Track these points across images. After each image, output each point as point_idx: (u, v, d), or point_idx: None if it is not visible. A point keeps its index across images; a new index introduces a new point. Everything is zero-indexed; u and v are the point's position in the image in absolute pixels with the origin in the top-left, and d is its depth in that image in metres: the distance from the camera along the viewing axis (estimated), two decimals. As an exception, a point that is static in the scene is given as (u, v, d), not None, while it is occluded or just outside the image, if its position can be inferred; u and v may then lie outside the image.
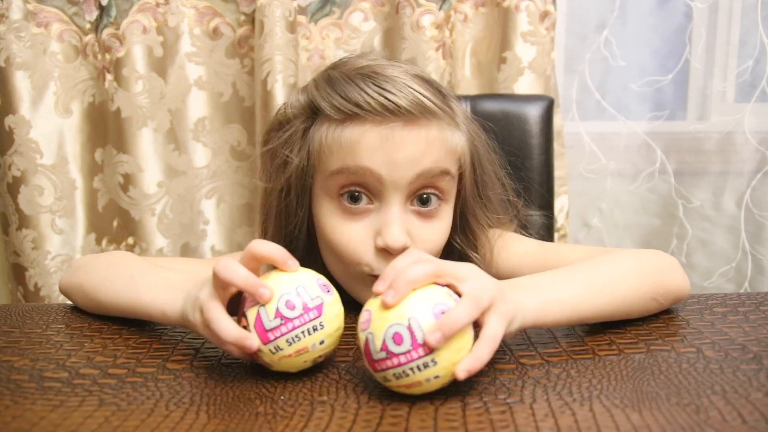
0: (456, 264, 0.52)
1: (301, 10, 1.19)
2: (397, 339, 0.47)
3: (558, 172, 1.17)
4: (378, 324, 0.48)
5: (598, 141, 1.36)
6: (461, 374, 0.47)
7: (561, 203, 1.23)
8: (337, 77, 0.67)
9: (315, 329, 0.51)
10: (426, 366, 0.47)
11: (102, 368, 0.56)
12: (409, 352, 0.46)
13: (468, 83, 1.24)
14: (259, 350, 0.51)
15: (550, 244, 0.79)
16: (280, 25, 1.11)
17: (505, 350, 0.58)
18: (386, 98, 0.63)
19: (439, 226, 0.69)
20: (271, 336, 0.51)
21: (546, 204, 1.04)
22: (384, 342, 0.47)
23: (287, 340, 0.51)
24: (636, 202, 1.40)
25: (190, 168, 1.22)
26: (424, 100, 0.64)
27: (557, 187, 1.17)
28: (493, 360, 0.56)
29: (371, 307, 0.49)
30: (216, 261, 0.80)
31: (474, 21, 1.22)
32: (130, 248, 1.22)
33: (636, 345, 0.59)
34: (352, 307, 0.69)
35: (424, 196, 0.67)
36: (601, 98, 1.34)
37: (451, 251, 0.73)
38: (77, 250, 1.21)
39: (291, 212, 0.71)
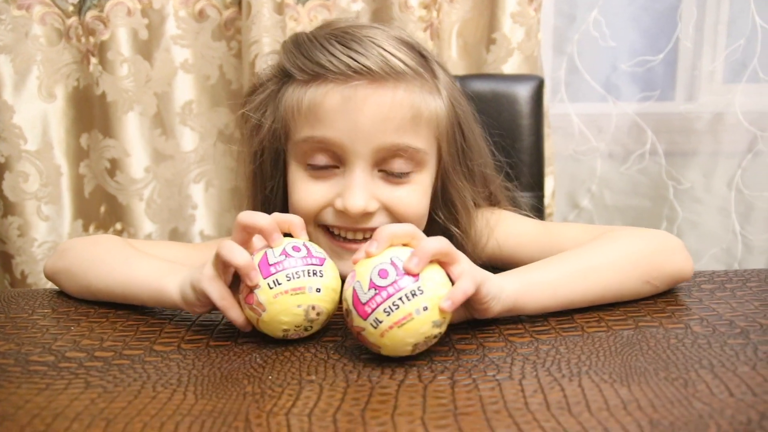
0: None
1: (288, -9, 1.17)
2: (383, 274, 0.49)
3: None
4: (363, 270, 0.50)
5: (587, 122, 1.35)
6: (445, 304, 0.49)
7: (547, 184, 1.23)
8: (305, 39, 0.67)
9: (314, 273, 0.53)
10: (414, 294, 0.48)
11: (88, 351, 0.56)
12: (395, 282, 0.49)
13: (455, 64, 1.23)
14: (258, 287, 0.53)
15: (552, 224, 0.78)
16: (267, 7, 1.10)
17: (494, 328, 0.58)
18: (350, 57, 0.62)
19: (413, 189, 0.67)
20: (272, 270, 0.53)
21: (536, 185, 1.04)
22: (371, 280, 0.49)
23: (287, 276, 0.53)
24: (626, 183, 1.40)
25: (177, 152, 1.20)
26: (394, 60, 0.63)
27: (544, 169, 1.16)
28: (482, 337, 0.56)
29: (354, 268, 0.52)
30: (203, 246, 0.79)
31: (461, 2, 1.21)
32: (118, 234, 1.21)
33: (624, 321, 0.59)
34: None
35: (393, 165, 0.66)
36: (591, 79, 1.33)
37: (433, 226, 0.73)
38: (64, 237, 1.20)
39: (266, 176, 0.71)
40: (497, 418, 0.43)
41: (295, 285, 0.53)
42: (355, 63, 0.62)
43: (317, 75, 0.63)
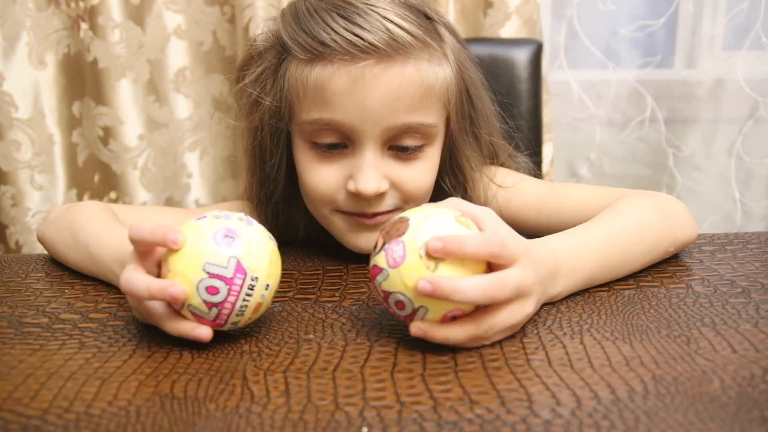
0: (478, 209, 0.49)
1: (282, -46, 1.15)
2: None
3: (543, 119, 1.15)
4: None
5: (586, 89, 1.34)
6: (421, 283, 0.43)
7: (546, 151, 1.22)
8: (304, 11, 0.63)
9: (251, 288, 0.46)
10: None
11: (83, 313, 0.55)
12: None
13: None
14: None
15: (557, 185, 0.75)
16: (260, -30, 1.07)
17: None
18: (355, 34, 0.58)
19: (423, 167, 0.65)
20: (220, 322, 0.47)
21: (534, 150, 1.03)
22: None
23: (237, 314, 0.46)
24: (625, 151, 1.38)
25: (171, 120, 1.19)
26: (401, 33, 0.59)
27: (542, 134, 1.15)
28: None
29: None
30: (197, 211, 0.78)
31: (459, -36, 1.18)
32: (113, 202, 1.19)
33: (625, 281, 0.59)
34: (336, 251, 0.68)
35: (403, 141, 0.63)
36: (591, 44, 1.31)
37: (439, 193, 0.70)
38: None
39: (266, 153, 0.68)
40: (498, 374, 0.42)
41: (251, 310, 0.47)
42: (361, 41, 0.58)
43: (321, 54, 0.60)
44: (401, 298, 0.45)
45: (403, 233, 0.45)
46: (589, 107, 1.34)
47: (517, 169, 0.78)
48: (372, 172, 0.62)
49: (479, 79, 0.71)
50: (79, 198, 1.21)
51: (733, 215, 1.39)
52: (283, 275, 0.61)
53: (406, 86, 0.60)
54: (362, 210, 0.64)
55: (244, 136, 0.71)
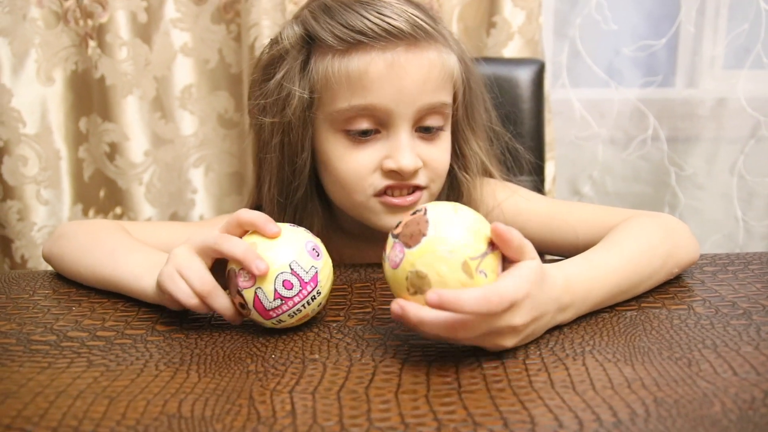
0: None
1: (288, -26, 1.16)
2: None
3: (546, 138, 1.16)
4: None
5: (589, 107, 1.35)
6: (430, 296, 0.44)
7: (548, 169, 1.22)
8: (335, 6, 0.67)
9: (313, 299, 0.53)
10: None
11: (90, 331, 0.55)
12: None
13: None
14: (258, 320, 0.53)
15: (562, 203, 0.77)
16: (266, -11, 1.09)
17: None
18: (388, 23, 0.64)
19: (444, 147, 0.71)
20: (272, 314, 0.52)
21: (537, 169, 1.04)
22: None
23: (289, 315, 0.52)
24: (628, 169, 1.39)
25: (177, 136, 1.20)
26: (422, 22, 0.66)
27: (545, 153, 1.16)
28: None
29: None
30: (204, 224, 0.79)
31: (462, -15, 1.20)
32: (118, 218, 1.20)
33: (627, 302, 0.59)
34: (339, 271, 0.69)
35: (428, 122, 0.68)
36: (593, 63, 1.32)
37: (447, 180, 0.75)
38: (64, 221, 1.19)
39: (297, 147, 0.69)
40: (501, 396, 0.43)
41: (299, 317, 0.53)
42: (393, 28, 0.64)
43: (358, 43, 0.64)
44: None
45: (409, 246, 0.48)
46: (591, 126, 1.35)
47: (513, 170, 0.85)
48: (409, 150, 0.67)
49: (476, 73, 0.77)
50: (85, 213, 1.22)
51: (735, 234, 1.39)
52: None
53: (434, 68, 0.67)
54: (399, 183, 0.68)
55: (260, 139, 0.73)
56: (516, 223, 0.71)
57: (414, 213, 0.50)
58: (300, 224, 0.69)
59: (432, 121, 0.69)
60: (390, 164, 0.67)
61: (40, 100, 1.15)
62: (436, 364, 0.48)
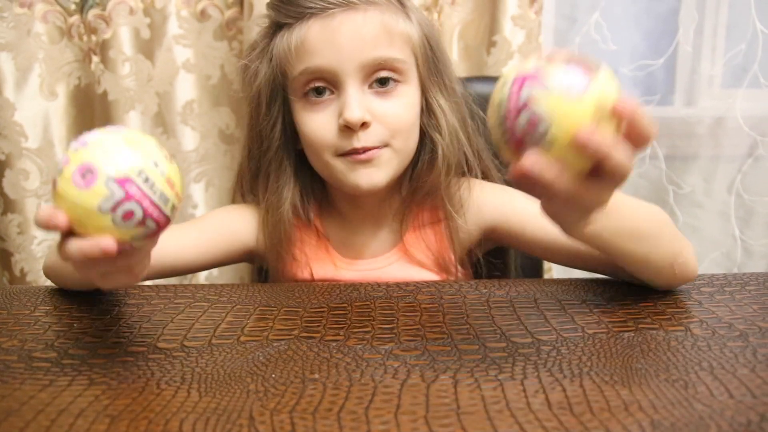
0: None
1: (290, -8, 1.18)
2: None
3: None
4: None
5: (587, 125, 1.35)
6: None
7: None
8: None
9: (146, 179, 0.46)
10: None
11: (91, 348, 0.56)
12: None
13: (456, 67, 1.23)
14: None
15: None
16: (268, 7, 1.10)
17: (496, 329, 0.59)
18: None
19: (402, 103, 0.75)
20: (161, 218, 0.47)
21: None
22: None
23: (163, 202, 0.47)
24: (626, 187, 1.37)
25: (178, 152, 1.20)
26: None
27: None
28: (483, 337, 0.57)
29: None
30: (196, 221, 0.85)
31: (462, 4, 1.21)
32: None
33: (625, 323, 0.59)
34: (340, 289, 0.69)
35: (381, 77, 0.73)
36: (591, 82, 1.33)
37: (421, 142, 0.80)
38: (64, 235, 1.20)
39: (262, 111, 0.78)
40: (500, 417, 0.43)
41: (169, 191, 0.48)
42: None
43: (301, 14, 0.73)
44: (542, 118, 0.45)
45: (592, 71, 0.45)
46: (590, 144, 1.36)
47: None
48: (355, 103, 0.71)
49: (446, 53, 0.82)
50: (85, 227, 1.22)
51: (733, 253, 1.39)
52: (287, 312, 0.63)
53: (369, 25, 0.72)
54: (354, 146, 0.73)
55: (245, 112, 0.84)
56: (516, 223, 0.78)
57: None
58: (275, 197, 0.80)
59: (382, 74, 0.73)
60: (340, 120, 0.72)
61: (43, 114, 1.16)
62: (435, 384, 0.48)
